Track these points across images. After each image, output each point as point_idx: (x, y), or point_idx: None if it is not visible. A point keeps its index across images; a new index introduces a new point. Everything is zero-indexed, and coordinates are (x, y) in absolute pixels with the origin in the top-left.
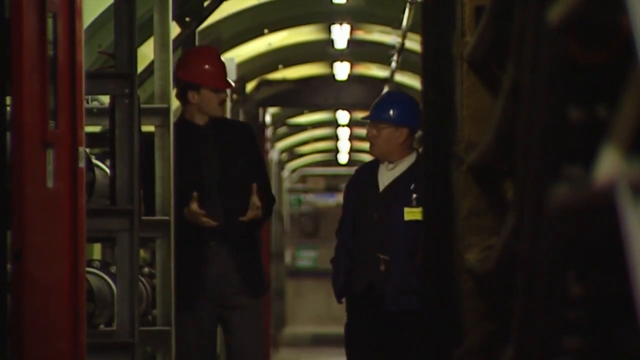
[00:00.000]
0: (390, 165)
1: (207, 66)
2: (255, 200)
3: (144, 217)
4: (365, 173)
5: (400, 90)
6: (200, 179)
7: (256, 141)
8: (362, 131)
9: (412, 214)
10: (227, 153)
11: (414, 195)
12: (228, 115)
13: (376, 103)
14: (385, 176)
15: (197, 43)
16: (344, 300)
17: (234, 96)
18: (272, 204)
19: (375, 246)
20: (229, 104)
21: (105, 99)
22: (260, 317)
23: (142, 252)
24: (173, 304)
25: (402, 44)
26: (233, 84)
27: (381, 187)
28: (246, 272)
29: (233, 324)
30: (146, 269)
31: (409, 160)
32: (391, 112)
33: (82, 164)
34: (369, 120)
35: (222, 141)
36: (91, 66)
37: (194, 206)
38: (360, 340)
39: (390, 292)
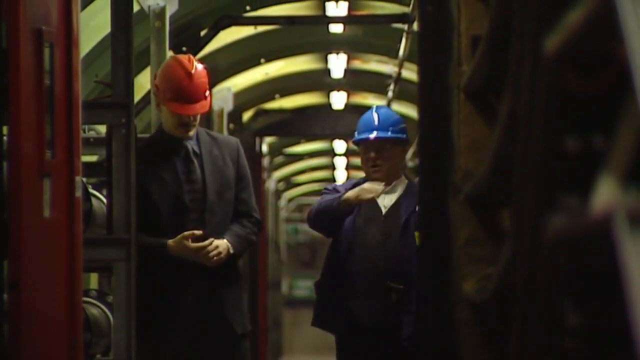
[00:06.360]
0: (388, 187)
1: (172, 82)
2: (214, 244)
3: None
4: None
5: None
6: (176, 195)
7: (243, 157)
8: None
9: None
10: (209, 168)
11: None
12: None
13: (377, 119)
14: (385, 198)
15: None
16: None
17: (231, 125)
18: (256, 227)
19: (384, 274)
20: (225, 133)
21: (102, 129)
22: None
23: None
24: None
25: (399, 74)
26: (198, 109)
27: (383, 210)
28: (227, 307)
29: None
30: None
31: (403, 181)
32: (399, 127)
33: (78, 194)
34: (375, 139)
35: (204, 155)
36: (88, 96)
37: (190, 243)
38: None
39: (408, 324)
